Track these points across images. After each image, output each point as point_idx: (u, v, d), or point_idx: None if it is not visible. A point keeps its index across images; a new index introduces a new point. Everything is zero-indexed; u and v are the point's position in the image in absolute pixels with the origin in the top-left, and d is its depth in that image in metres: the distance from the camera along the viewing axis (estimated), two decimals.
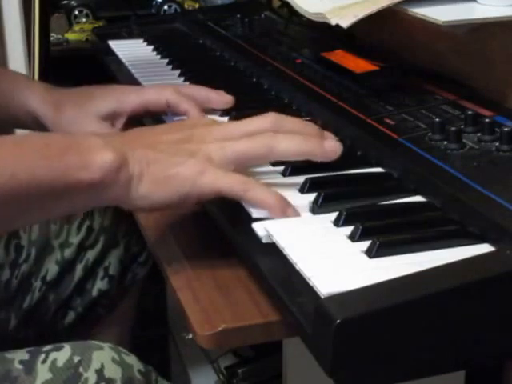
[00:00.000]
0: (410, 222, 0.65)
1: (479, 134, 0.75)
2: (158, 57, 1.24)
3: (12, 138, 0.67)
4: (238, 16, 1.33)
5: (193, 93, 0.94)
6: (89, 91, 0.99)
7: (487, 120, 0.75)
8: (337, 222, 0.65)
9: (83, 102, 0.96)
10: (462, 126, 0.76)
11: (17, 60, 1.87)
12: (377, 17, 0.84)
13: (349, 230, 0.63)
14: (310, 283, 0.57)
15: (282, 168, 0.75)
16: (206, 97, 0.94)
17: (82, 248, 1.08)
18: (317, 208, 0.68)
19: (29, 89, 0.98)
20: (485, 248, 0.61)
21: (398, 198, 0.70)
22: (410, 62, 0.98)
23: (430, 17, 0.81)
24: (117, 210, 1.09)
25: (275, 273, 0.62)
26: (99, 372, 0.73)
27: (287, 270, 0.60)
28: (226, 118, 0.92)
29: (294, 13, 1.14)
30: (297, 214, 0.67)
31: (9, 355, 0.75)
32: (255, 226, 0.66)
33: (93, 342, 0.78)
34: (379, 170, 0.76)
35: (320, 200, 0.68)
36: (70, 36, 1.96)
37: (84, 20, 2.03)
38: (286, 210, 0.67)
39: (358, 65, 0.95)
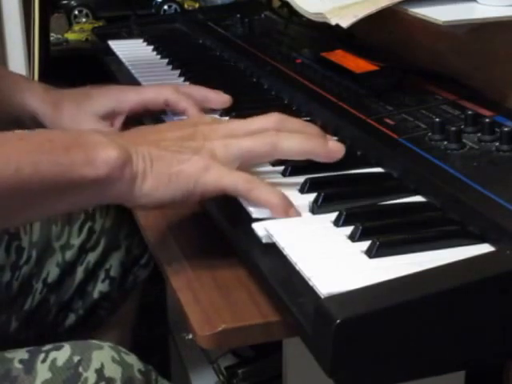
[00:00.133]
0: (410, 222, 0.65)
1: (479, 134, 0.75)
2: (158, 57, 1.24)
3: (17, 134, 0.67)
4: (238, 16, 1.32)
5: (191, 92, 0.95)
6: (87, 91, 1.00)
7: (487, 120, 0.75)
8: (337, 222, 0.65)
9: (82, 102, 0.96)
10: (462, 126, 0.76)
11: (17, 60, 1.87)
12: (377, 17, 0.84)
13: (349, 230, 0.63)
14: (310, 283, 0.57)
15: (282, 168, 0.75)
16: (205, 96, 0.94)
17: (83, 250, 1.08)
18: (317, 208, 0.68)
19: (28, 89, 0.98)
20: (485, 248, 0.61)
21: (398, 198, 0.70)
22: (409, 61, 0.98)
23: (430, 17, 0.81)
24: (118, 212, 1.09)
25: (275, 273, 0.62)
26: (99, 371, 0.73)
27: (287, 270, 0.60)
28: (225, 118, 0.92)
29: (293, 13, 1.14)
30: (298, 214, 0.67)
31: (8, 355, 0.75)
32: (255, 226, 0.66)
33: (92, 341, 0.77)
34: (379, 170, 0.76)
35: (320, 200, 0.68)
36: (70, 36, 1.96)
37: (84, 20, 2.03)
38: (288, 210, 0.67)
39: (358, 65, 0.95)
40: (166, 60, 1.19)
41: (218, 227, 0.72)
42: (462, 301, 0.54)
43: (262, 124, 0.72)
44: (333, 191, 0.70)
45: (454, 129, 0.74)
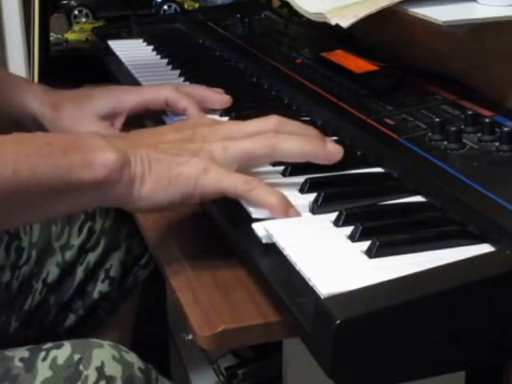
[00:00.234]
0: (410, 222, 0.65)
1: (479, 134, 0.75)
2: (158, 57, 1.24)
3: (15, 136, 0.67)
4: (238, 16, 1.33)
5: (192, 91, 0.95)
6: (87, 91, 1.00)
7: (487, 120, 0.75)
8: (337, 222, 0.65)
9: (82, 102, 0.96)
10: (462, 126, 0.76)
11: (16, 60, 1.86)
12: (377, 17, 0.84)
13: (349, 230, 0.63)
14: (310, 283, 0.57)
15: (282, 168, 0.75)
16: (205, 96, 0.94)
17: (83, 250, 1.08)
18: (317, 208, 0.68)
19: (28, 91, 0.98)
20: (485, 248, 0.61)
21: (398, 198, 0.70)
22: (409, 61, 0.98)
23: (430, 17, 0.81)
24: (118, 212, 1.09)
25: (275, 273, 0.62)
26: (99, 370, 0.73)
27: (287, 271, 0.60)
28: (225, 119, 0.92)
29: (293, 13, 1.14)
30: (298, 214, 0.67)
31: (9, 353, 0.75)
32: (255, 226, 0.66)
33: (93, 340, 0.77)
34: (379, 170, 0.76)
35: (320, 200, 0.68)
36: (70, 36, 1.96)
37: (84, 20, 2.03)
38: (288, 210, 0.67)
39: (358, 65, 0.95)
40: (166, 60, 1.19)
41: (218, 227, 0.72)
42: (461, 301, 0.54)
43: (260, 126, 0.72)
44: (333, 191, 0.70)
45: (453, 129, 0.74)
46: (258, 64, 1.09)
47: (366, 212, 0.67)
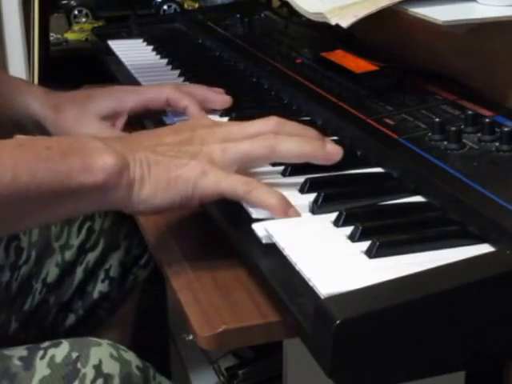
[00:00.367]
0: (410, 222, 0.65)
1: (479, 134, 0.75)
2: (158, 57, 1.24)
3: (13, 141, 0.67)
4: (238, 16, 1.32)
5: (192, 91, 0.95)
6: (88, 92, 1.00)
7: (487, 120, 0.75)
8: (337, 223, 0.65)
9: (82, 103, 0.96)
10: (462, 126, 0.76)
11: (16, 60, 1.87)
12: (377, 17, 0.84)
13: (349, 230, 0.63)
14: (310, 284, 0.57)
15: (281, 168, 0.75)
16: (205, 96, 0.94)
17: (82, 250, 1.08)
18: (317, 208, 0.68)
19: (29, 93, 0.98)
20: (485, 248, 0.61)
21: (398, 198, 0.70)
22: (409, 62, 0.98)
23: (430, 17, 0.81)
24: (118, 212, 1.09)
25: (275, 273, 0.62)
26: (97, 368, 0.73)
27: (287, 271, 0.60)
28: (225, 119, 0.92)
29: (293, 13, 1.14)
30: (298, 214, 0.67)
31: (7, 352, 0.75)
32: (255, 226, 0.66)
33: (91, 338, 0.78)
34: (379, 170, 0.76)
35: (320, 200, 0.68)
36: (70, 36, 1.96)
37: (83, 20, 2.03)
38: (287, 210, 0.67)
39: (358, 65, 0.95)
40: (166, 60, 1.19)
41: (218, 227, 0.72)
42: (462, 301, 0.54)
43: (259, 127, 0.72)
44: (333, 191, 0.70)
45: (453, 129, 0.74)
46: (258, 64, 1.09)
47: (366, 212, 0.67)
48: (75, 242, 1.07)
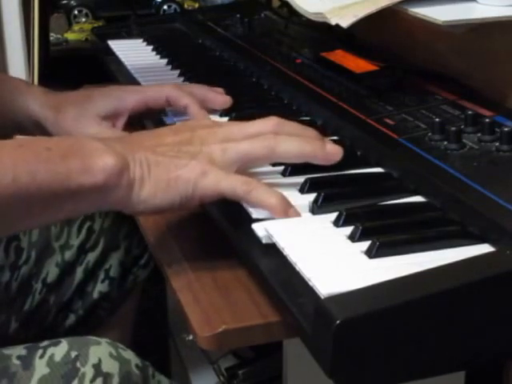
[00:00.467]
0: (410, 222, 0.65)
1: (479, 134, 0.75)
2: (158, 57, 1.24)
3: (13, 142, 0.67)
4: (238, 16, 1.32)
5: (193, 91, 0.95)
6: (88, 92, 1.00)
7: (487, 120, 0.75)
8: (337, 223, 0.65)
9: (83, 103, 0.96)
10: (462, 126, 0.76)
11: (16, 60, 1.87)
12: (377, 17, 0.84)
13: (349, 230, 0.63)
14: (310, 284, 0.57)
15: (281, 168, 0.75)
16: (205, 95, 0.94)
17: (82, 250, 1.08)
18: (317, 208, 0.68)
19: (29, 93, 0.98)
20: (485, 248, 0.61)
21: (398, 198, 0.70)
22: (409, 61, 0.98)
23: (430, 17, 0.81)
24: (117, 212, 1.09)
25: (275, 273, 0.62)
26: (96, 367, 0.73)
27: (287, 271, 0.60)
28: (225, 119, 0.92)
29: (293, 13, 1.14)
30: (298, 214, 0.67)
31: (6, 351, 0.75)
32: (255, 226, 0.66)
33: (90, 337, 0.78)
34: (379, 170, 0.76)
35: (320, 200, 0.68)
36: (70, 36, 1.96)
37: (83, 20, 2.03)
38: (287, 210, 0.67)
39: (358, 65, 0.95)
40: (166, 60, 1.19)
41: (218, 227, 0.72)
42: (462, 301, 0.54)
43: (259, 127, 0.72)
44: (333, 191, 0.70)
45: (453, 129, 0.74)
46: (258, 64, 1.09)
47: (366, 212, 0.67)
48: (75, 242, 1.07)
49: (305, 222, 0.67)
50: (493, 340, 0.56)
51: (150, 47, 1.29)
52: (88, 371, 0.73)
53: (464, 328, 0.55)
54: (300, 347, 0.58)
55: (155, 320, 1.33)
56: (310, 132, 0.74)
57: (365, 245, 0.61)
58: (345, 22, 0.85)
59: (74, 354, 0.74)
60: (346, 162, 0.74)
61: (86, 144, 0.68)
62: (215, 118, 0.92)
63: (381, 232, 0.62)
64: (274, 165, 0.76)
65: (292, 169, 0.74)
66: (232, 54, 1.18)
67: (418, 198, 0.70)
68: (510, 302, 0.55)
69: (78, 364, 0.73)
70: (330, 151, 0.72)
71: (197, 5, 2.01)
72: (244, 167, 0.71)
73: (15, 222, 0.66)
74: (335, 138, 0.83)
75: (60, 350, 0.75)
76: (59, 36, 1.95)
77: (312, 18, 0.94)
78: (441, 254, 0.60)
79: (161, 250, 0.74)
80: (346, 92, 0.92)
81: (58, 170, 0.65)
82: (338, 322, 0.51)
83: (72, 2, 2.04)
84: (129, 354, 0.76)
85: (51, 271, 1.06)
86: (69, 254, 1.07)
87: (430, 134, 0.76)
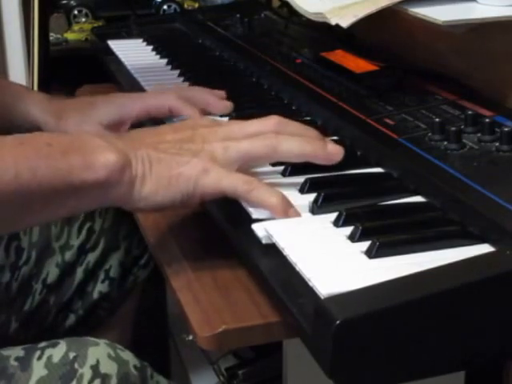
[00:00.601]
0: (409, 223, 0.65)
1: (479, 134, 0.75)
2: (158, 57, 1.24)
3: (14, 138, 0.67)
4: (238, 16, 1.32)
5: (194, 95, 0.94)
6: (90, 99, 0.99)
7: (487, 120, 0.75)
8: (337, 223, 0.65)
9: (85, 110, 0.96)
10: (462, 126, 0.76)
11: (16, 60, 1.87)
12: (377, 17, 0.84)
13: (349, 230, 0.63)
14: (310, 284, 0.57)
15: (281, 168, 0.75)
16: (206, 101, 0.94)
17: (82, 250, 1.08)
18: (317, 208, 0.68)
19: (30, 99, 0.98)
20: (485, 248, 0.61)
21: (398, 198, 0.70)
22: (410, 61, 0.98)
23: (430, 17, 0.81)
24: (118, 212, 1.09)
25: (275, 273, 0.62)
26: (95, 368, 0.73)
27: (287, 271, 0.60)
28: (225, 118, 0.92)
29: (293, 13, 1.14)
30: (298, 214, 0.67)
31: (4, 352, 0.75)
32: (255, 226, 0.66)
33: (88, 338, 0.78)
34: (379, 170, 0.76)
35: (320, 200, 0.68)
36: (70, 36, 1.96)
37: (83, 20, 2.03)
38: (287, 210, 0.67)
39: (358, 65, 0.95)
40: (166, 60, 1.19)
41: (218, 227, 0.72)
42: (462, 301, 0.54)
43: (261, 126, 0.72)
44: (333, 191, 0.70)
45: (453, 129, 0.74)
46: (258, 64, 1.09)
47: (366, 212, 0.67)
48: (75, 242, 1.07)
49: (305, 222, 0.67)
50: (493, 340, 0.56)
51: (150, 47, 1.29)
52: (86, 372, 0.73)
53: (464, 328, 0.55)
54: (300, 347, 0.58)
55: (155, 320, 1.33)
56: (311, 132, 0.74)
57: (365, 245, 0.61)
58: (345, 22, 0.85)
59: (72, 355, 0.74)
60: (346, 162, 0.74)
61: (87, 140, 0.68)
62: (215, 117, 0.92)
63: (381, 232, 0.62)
64: (273, 165, 0.76)
65: (292, 169, 0.74)
66: (232, 53, 1.18)
67: (418, 198, 0.70)
68: (509, 302, 0.55)
69: (76, 365, 0.73)
70: (331, 151, 0.72)
71: (197, 5, 2.01)
72: (245, 166, 0.71)
73: (17, 218, 0.66)
74: (335, 138, 0.83)
75: (58, 351, 0.75)
76: (59, 36, 1.95)
77: (312, 17, 0.94)
78: (441, 254, 0.60)
79: (161, 249, 0.74)
80: (346, 92, 0.92)
81: (59, 166, 0.65)
82: (337, 322, 0.51)
83: (72, 2, 2.04)
84: (127, 355, 0.76)
85: (51, 271, 1.06)
86: (69, 255, 1.07)
87: (429, 133, 0.76)
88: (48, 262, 1.05)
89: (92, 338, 0.77)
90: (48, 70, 1.72)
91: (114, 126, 0.96)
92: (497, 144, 0.73)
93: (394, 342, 0.53)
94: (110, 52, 1.28)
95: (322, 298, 0.55)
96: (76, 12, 2.04)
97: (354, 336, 0.52)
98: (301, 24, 1.23)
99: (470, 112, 0.78)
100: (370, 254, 0.60)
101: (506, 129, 0.72)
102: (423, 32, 0.96)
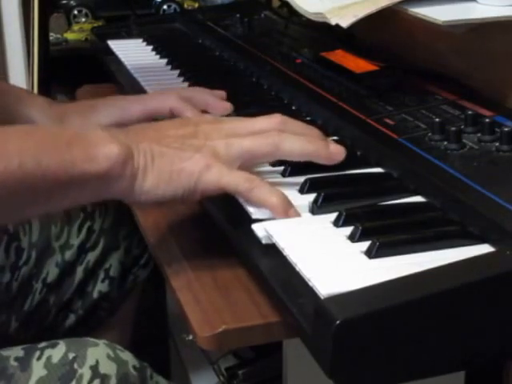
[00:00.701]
0: (409, 223, 0.65)
1: (479, 134, 0.75)
2: (158, 57, 1.24)
3: (19, 128, 0.67)
4: (238, 16, 1.32)
5: (194, 96, 0.94)
6: (91, 103, 0.99)
7: (487, 120, 0.75)
8: (336, 223, 0.65)
9: (87, 114, 0.96)
10: (462, 126, 0.76)
11: (16, 60, 1.87)
12: (377, 17, 0.84)
13: (348, 230, 0.63)
14: (310, 284, 0.57)
15: (281, 168, 0.75)
16: (206, 102, 0.94)
17: (82, 250, 1.08)
18: (316, 208, 0.68)
19: (31, 103, 0.98)
20: (485, 248, 0.61)
21: (398, 198, 0.70)
22: (410, 61, 0.98)
23: (430, 17, 0.81)
24: (118, 212, 1.09)
25: (275, 273, 0.62)
26: (94, 368, 0.73)
27: (287, 271, 0.60)
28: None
29: (293, 13, 1.14)
30: (298, 214, 0.67)
31: (4, 353, 0.75)
32: (255, 226, 0.66)
33: (88, 338, 0.78)
34: (379, 170, 0.76)
35: (320, 200, 0.68)
36: (70, 36, 1.97)
37: (83, 20, 2.03)
38: (288, 210, 0.67)
39: (358, 65, 0.95)
40: (166, 60, 1.19)
41: (218, 227, 0.72)
42: (462, 301, 0.54)
43: (264, 124, 0.72)
44: (333, 191, 0.70)
45: (454, 129, 0.74)
46: (258, 64, 1.09)
47: (366, 212, 0.67)
48: (75, 241, 1.07)
49: (305, 222, 0.67)
50: (493, 340, 0.56)
51: (150, 47, 1.29)
52: (85, 373, 0.73)
53: (464, 328, 0.55)
54: (300, 347, 0.58)
55: (155, 320, 1.33)
56: (314, 131, 0.74)
57: (365, 245, 0.61)
58: (345, 22, 0.85)
59: (71, 355, 0.74)
60: (346, 162, 0.74)
61: (91, 133, 0.68)
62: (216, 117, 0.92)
63: (381, 232, 0.62)
64: (273, 165, 0.76)
65: (292, 169, 0.74)
66: (232, 54, 1.18)
67: (418, 198, 0.70)
68: (510, 302, 0.55)
69: (76, 365, 0.73)
70: (333, 151, 0.72)
71: (197, 5, 2.01)
72: (247, 164, 0.71)
73: (20, 208, 0.66)
74: (335, 138, 0.83)
75: (57, 351, 0.75)
76: (59, 36, 1.95)
77: (312, 17, 0.94)
78: (441, 254, 0.60)
79: (160, 249, 0.74)
80: (346, 92, 0.92)
81: (64, 156, 0.65)
82: (337, 322, 0.51)
83: (72, 2, 2.04)
84: (126, 356, 0.76)
85: (51, 271, 1.06)
86: (69, 254, 1.07)
87: (429, 134, 0.76)
88: (48, 262, 1.05)
89: (91, 339, 0.77)
90: (48, 70, 1.72)
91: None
92: (497, 144, 0.73)
93: (394, 342, 0.53)
94: (110, 52, 1.28)
95: (322, 298, 0.55)
96: (76, 12, 2.04)
97: (353, 336, 0.52)
98: (301, 24, 1.23)
99: (469, 112, 0.78)
100: (370, 254, 0.60)
101: (506, 129, 0.72)
102: (423, 32, 0.96)
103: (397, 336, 0.53)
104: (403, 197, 0.71)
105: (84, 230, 1.08)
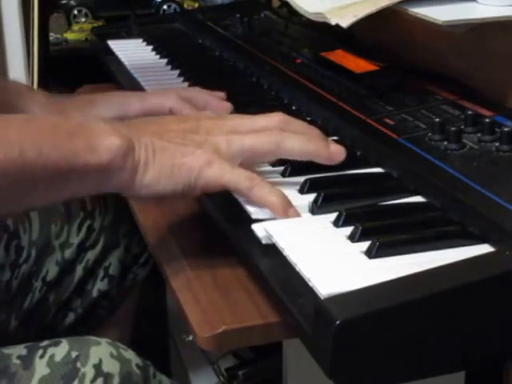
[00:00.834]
0: (409, 223, 0.65)
1: (479, 134, 0.75)
2: (157, 56, 1.24)
3: (20, 117, 0.67)
4: (238, 16, 1.32)
5: (194, 96, 0.94)
6: (90, 97, 0.99)
7: (487, 120, 0.75)
8: (336, 223, 0.65)
9: (86, 109, 0.96)
10: (462, 126, 0.76)
11: (16, 60, 1.87)
12: (377, 17, 0.84)
13: (348, 230, 0.63)
14: (310, 284, 0.57)
15: (281, 168, 0.75)
16: (206, 102, 0.94)
17: (82, 248, 1.08)
18: (316, 208, 0.68)
19: (31, 99, 0.98)
20: (485, 248, 0.61)
21: (398, 198, 0.70)
22: (410, 61, 0.98)
23: (430, 17, 0.81)
24: (117, 210, 1.09)
25: (275, 274, 0.62)
26: (97, 367, 0.73)
27: (287, 271, 0.60)
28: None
29: (293, 13, 1.14)
30: (298, 214, 0.67)
31: (6, 351, 0.75)
32: (255, 227, 0.66)
33: (90, 337, 0.78)
34: (379, 170, 0.76)
35: (320, 200, 0.68)
36: (69, 36, 1.97)
37: (83, 20, 2.03)
38: (288, 210, 0.67)
39: (358, 65, 0.95)
40: (166, 60, 1.19)
41: (218, 227, 0.72)
42: (462, 301, 0.54)
43: (265, 122, 0.72)
44: (333, 191, 0.70)
45: (453, 129, 0.74)
46: (258, 64, 1.09)
47: (366, 212, 0.67)
48: (75, 240, 1.08)
49: (304, 222, 0.67)
50: (493, 340, 0.56)
51: (150, 47, 1.29)
52: (88, 371, 0.73)
53: (464, 328, 0.55)
54: (300, 347, 0.58)
55: (155, 320, 1.33)
56: (315, 131, 0.74)
57: (365, 245, 0.61)
58: (345, 22, 0.85)
59: (74, 354, 0.74)
60: (346, 162, 0.74)
61: (92, 124, 0.68)
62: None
63: (381, 232, 0.62)
64: (273, 165, 0.76)
65: (292, 169, 0.74)
66: (232, 54, 1.18)
67: (418, 198, 0.70)
68: (510, 302, 0.55)
69: (79, 364, 0.73)
70: (334, 151, 0.72)
71: (197, 5, 2.01)
72: (248, 161, 0.71)
73: (20, 197, 0.66)
74: (335, 138, 0.83)
75: (60, 350, 0.75)
76: (59, 36, 1.95)
77: (312, 17, 0.94)
78: (441, 254, 0.60)
79: (160, 249, 0.74)
80: (346, 92, 0.92)
81: (65, 146, 0.64)
82: (337, 322, 0.51)
83: (72, 2, 2.04)
84: (129, 354, 0.77)
85: (51, 269, 1.06)
86: (69, 253, 1.07)
87: (430, 134, 0.76)
88: (48, 260, 1.05)
89: (94, 337, 0.77)
90: (48, 69, 1.72)
91: None
92: (497, 144, 0.73)
93: (394, 342, 0.53)
94: (110, 52, 1.28)
95: (322, 298, 0.55)
96: (76, 12, 2.04)
97: (353, 336, 0.52)
98: (301, 24, 1.23)
99: (469, 112, 0.78)
100: (370, 254, 0.60)
101: (506, 129, 0.72)
102: (423, 32, 0.96)
103: (397, 336, 0.53)
104: (403, 197, 0.71)
105: (84, 229, 1.08)
